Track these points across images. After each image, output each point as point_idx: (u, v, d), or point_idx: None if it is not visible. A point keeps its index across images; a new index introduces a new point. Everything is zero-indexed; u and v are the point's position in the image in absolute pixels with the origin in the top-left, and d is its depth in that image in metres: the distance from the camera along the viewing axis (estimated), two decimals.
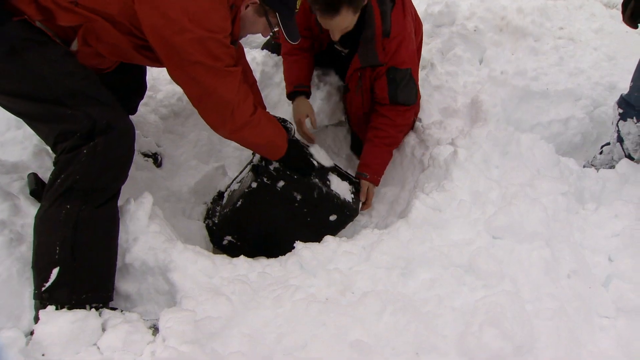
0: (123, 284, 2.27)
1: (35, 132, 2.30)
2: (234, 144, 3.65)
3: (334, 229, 2.99)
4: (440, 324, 2.14)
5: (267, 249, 2.95)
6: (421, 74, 3.68)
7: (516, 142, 3.04)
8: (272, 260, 2.54)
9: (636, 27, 2.97)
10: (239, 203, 2.94)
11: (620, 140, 3.32)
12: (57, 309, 2.00)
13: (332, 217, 2.97)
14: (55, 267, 2.04)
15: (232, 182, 3.24)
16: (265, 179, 2.82)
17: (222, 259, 2.42)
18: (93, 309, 2.05)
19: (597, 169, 3.29)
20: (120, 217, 2.29)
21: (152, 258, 2.26)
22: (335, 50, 3.34)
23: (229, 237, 3.08)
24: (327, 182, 2.98)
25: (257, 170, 2.85)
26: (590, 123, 3.88)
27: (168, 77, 3.51)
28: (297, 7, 2.52)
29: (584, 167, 3.46)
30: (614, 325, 2.28)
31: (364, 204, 3.15)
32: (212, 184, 3.43)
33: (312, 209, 2.94)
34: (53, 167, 2.17)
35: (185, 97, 3.46)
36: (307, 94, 3.32)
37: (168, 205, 3.17)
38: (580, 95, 3.89)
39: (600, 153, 3.51)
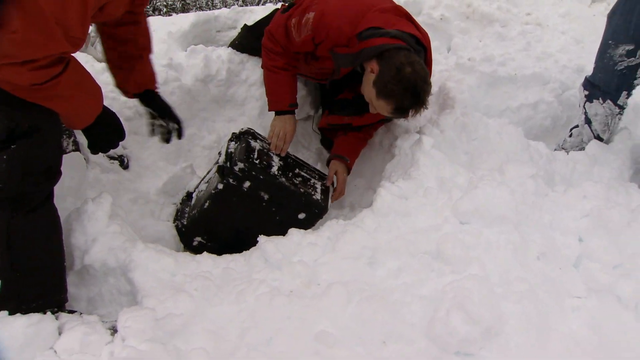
0: (83, 287, 2.23)
1: None
2: (202, 143, 3.64)
3: (304, 227, 2.93)
4: (407, 312, 2.10)
5: (238, 249, 2.91)
6: None
7: (484, 128, 3.03)
8: (236, 255, 2.50)
9: None
10: (206, 204, 2.90)
11: (588, 122, 3.33)
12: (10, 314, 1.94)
13: (301, 216, 2.94)
14: None
15: (200, 182, 3.20)
16: (231, 180, 2.78)
17: (185, 256, 2.39)
18: (49, 313, 2.00)
19: (568, 152, 3.29)
20: (77, 218, 2.24)
21: (112, 259, 2.21)
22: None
23: (198, 238, 3.04)
24: (295, 180, 2.94)
25: (222, 171, 2.81)
26: (559, 106, 3.86)
27: None
28: None
29: (555, 150, 3.45)
30: (585, 305, 2.25)
31: (334, 190, 3.12)
32: (181, 184, 3.37)
33: (280, 208, 2.91)
34: None
35: None
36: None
37: (136, 207, 3.12)
38: (549, 79, 3.88)
39: (570, 136, 3.51)
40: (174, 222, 3.16)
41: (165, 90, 3.47)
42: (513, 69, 3.83)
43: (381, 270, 2.29)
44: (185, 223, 3.07)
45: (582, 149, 3.34)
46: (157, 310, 2.00)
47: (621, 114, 3.28)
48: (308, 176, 3.05)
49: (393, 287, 2.21)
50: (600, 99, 3.20)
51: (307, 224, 2.96)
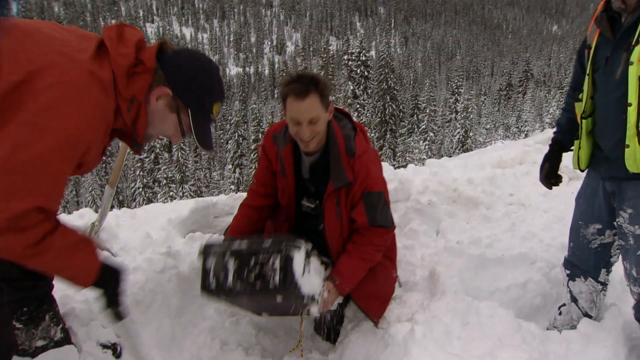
0: None
1: None
2: (196, 332, 3.65)
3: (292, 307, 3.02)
4: None
5: None
6: None
7: (475, 312, 3.09)
8: None
9: (550, 188, 3.19)
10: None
11: (574, 299, 3.40)
12: None
13: (279, 299, 2.87)
14: None
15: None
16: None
17: None
18: None
19: (560, 331, 3.32)
20: None
21: None
22: (304, 217, 3.49)
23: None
24: (250, 278, 2.87)
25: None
26: (548, 284, 3.94)
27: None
28: (215, 115, 2.32)
29: (547, 329, 3.48)
30: None
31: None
32: None
33: (262, 298, 2.93)
34: None
35: (147, 286, 3.51)
36: None
37: None
38: (535, 258, 3.99)
39: (560, 314, 3.55)
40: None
41: (162, 278, 3.56)
42: (500, 250, 3.95)
43: None
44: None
45: (574, 327, 3.37)
46: None
47: (605, 290, 3.35)
48: (263, 260, 2.88)
49: None
50: (582, 277, 3.30)
51: (287, 303, 2.94)
